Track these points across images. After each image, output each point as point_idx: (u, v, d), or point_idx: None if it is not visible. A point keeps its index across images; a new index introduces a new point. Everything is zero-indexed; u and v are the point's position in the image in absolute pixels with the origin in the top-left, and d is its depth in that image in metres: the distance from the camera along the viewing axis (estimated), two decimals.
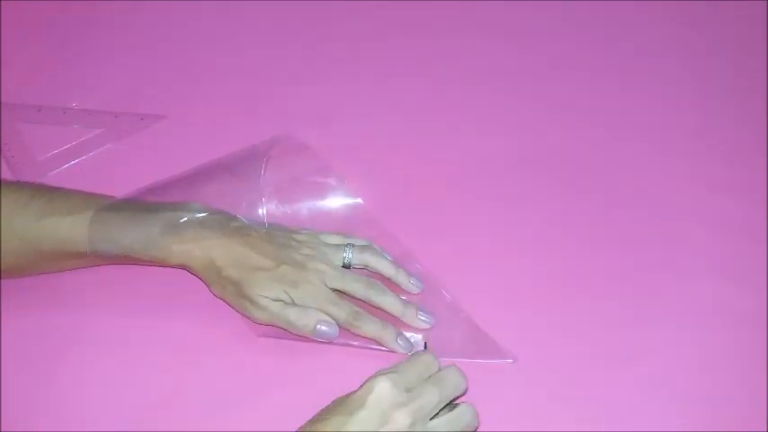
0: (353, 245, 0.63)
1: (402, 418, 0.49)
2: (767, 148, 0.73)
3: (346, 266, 0.62)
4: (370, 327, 0.60)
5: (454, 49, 0.82)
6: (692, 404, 0.58)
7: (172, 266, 0.61)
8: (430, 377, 0.52)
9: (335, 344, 0.60)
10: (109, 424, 0.58)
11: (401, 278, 0.63)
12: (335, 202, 0.68)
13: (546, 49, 0.81)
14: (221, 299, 0.61)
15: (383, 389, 0.49)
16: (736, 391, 0.59)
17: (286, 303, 0.59)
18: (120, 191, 0.64)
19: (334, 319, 0.59)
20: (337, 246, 0.62)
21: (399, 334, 0.60)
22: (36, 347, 0.61)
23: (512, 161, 0.72)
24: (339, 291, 0.61)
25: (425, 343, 0.60)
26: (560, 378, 0.59)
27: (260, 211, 0.65)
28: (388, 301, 0.61)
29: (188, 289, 0.63)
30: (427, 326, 0.61)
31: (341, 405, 0.50)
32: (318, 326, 0.59)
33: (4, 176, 0.72)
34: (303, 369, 0.60)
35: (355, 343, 0.60)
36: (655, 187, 0.70)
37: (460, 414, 0.52)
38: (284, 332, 0.60)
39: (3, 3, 0.85)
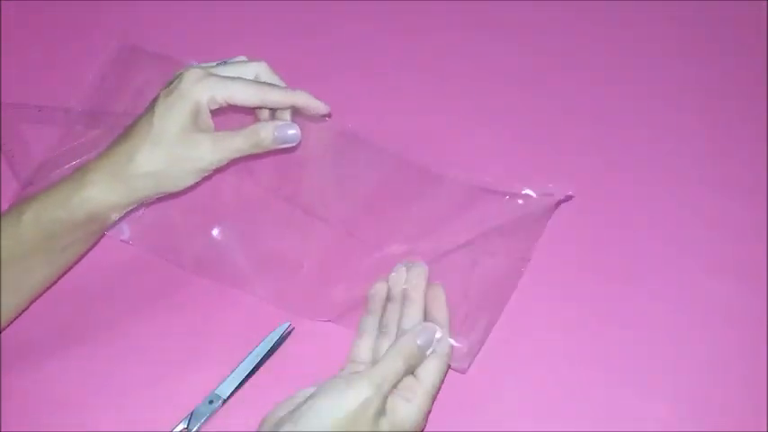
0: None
1: None
2: (767, 147, 0.73)
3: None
4: (277, 94, 0.56)
5: (455, 49, 0.82)
6: (692, 404, 0.58)
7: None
8: None
9: (340, 324, 0.60)
10: (109, 424, 0.58)
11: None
12: None
13: (546, 49, 0.81)
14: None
15: None
16: (737, 391, 0.59)
17: (228, 132, 0.55)
18: None
19: (242, 102, 0.55)
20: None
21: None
22: (36, 346, 0.61)
23: (512, 161, 0.72)
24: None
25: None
26: (560, 378, 0.60)
27: None
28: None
29: (188, 288, 0.63)
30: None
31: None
32: (276, 133, 0.56)
33: (4, 176, 0.72)
34: (304, 368, 0.60)
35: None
36: (654, 187, 0.70)
37: None
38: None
39: (3, 3, 0.85)
